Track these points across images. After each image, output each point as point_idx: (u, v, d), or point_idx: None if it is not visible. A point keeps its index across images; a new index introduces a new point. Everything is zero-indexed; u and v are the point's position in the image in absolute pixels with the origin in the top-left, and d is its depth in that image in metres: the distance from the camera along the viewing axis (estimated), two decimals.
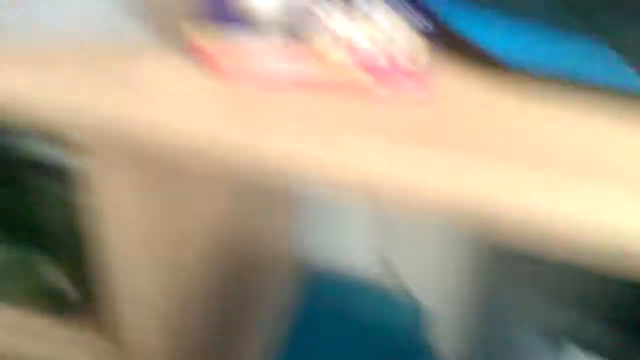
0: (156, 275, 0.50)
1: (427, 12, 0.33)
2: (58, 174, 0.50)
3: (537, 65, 0.35)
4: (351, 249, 1.17)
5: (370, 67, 0.34)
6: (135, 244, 0.47)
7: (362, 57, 0.34)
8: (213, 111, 0.33)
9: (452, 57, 0.39)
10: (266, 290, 0.99)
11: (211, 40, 0.34)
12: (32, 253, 0.50)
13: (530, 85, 0.36)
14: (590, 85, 0.35)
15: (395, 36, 0.33)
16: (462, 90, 0.37)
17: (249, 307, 0.93)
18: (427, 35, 0.33)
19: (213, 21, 0.33)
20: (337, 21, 0.33)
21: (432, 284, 1.11)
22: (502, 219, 0.31)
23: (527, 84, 0.36)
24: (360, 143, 0.32)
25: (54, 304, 0.50)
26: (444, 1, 0.38)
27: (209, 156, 0.34)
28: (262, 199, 0.85)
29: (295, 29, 0.33)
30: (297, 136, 0.32)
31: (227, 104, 0.34)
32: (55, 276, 0.50)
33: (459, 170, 0.31)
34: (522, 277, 1.06)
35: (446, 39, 0.38)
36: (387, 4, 0.33)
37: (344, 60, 0.34)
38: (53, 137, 0.39)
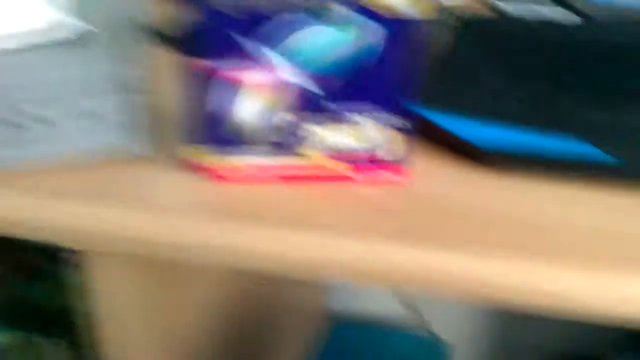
0: (158, 354, 0.51)
1: (405, 113, 0.35)
2: (58, 258, 0.51)
3: (509, 146, 0.36)
4: (374, 294, 1.17)
5: (351, 162, 0.37)
6: (134, 325, 0.47)
7: (344, 155, 0.37)
8: (207, 211, 0.35)
9: (429, 147, 0.41)
10: (290, 340, 0.99)
11: (205, 158, 0.37)
12: (34, 336, 0.51)
13: (503, 166, 0.37)
14: (559, 162, 0.35)
15: (375, 134, 0.36)
16: (436, 176, 0.38)
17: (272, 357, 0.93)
18: (406, 130, 0.36)
19: (206, 140, 0.36)
20: (322, 131, 0.36)
21: (453, 322, 1.12)
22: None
23: (499, 166, 0.37)
24: (338, 229, 0.34)
25: None
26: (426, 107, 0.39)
27: (204, 254, 0.35)
28: None
29: (283, 142, 0.36)
30: (282, 225, 0.34)
31: (218, 203, 0.36)
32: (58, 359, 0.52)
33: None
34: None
35: (424, 132, 0.40)
36: (367, 107, 0.35)
37: (326, 158, 0.37)
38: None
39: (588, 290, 0.31)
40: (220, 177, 0.38)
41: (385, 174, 0.37)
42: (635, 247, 0.33)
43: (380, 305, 1.18)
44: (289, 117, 0.36)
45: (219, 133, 0.36)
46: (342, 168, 0.37)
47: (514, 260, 0.32)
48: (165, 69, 0.47)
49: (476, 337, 1.16)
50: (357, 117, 0.36)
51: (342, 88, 0.35)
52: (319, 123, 0.36)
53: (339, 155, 0.37)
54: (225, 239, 0.34)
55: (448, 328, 1.13)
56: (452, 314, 1.14)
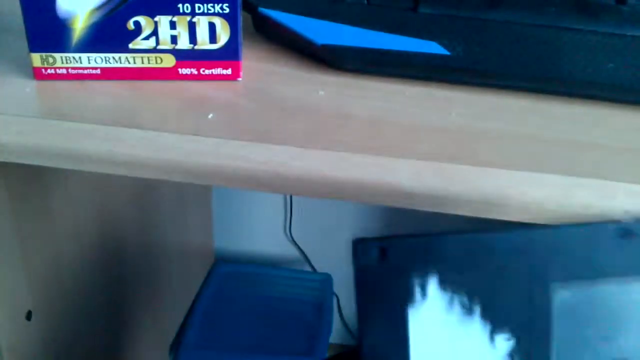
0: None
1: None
2: None
3: (346, 42, 0.35)
4: (260, 233, 1.17)
5: (184, 57, 0.36)
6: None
7: (176, 50, 0.36)
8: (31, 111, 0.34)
9: (269, 47, 0.40)
10: (175, 280, 0.98)
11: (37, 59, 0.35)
12: None
13: (339, 63, 0.36)
14: (397, 55, 0.35)
15: (205, 26, 0.35)
16: (271, 72, 0.38)
17: (161, 294, 0.92)
18: (234, 21, 0.35)
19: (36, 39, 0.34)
20: (152, 23, 0.34)
21: (333, 256, 1.15)
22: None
23: (336, 63, 0.36)
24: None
25: None
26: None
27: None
28: (162, 192, 0.84)
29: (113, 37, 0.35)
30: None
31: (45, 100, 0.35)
32: None
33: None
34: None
35: (265, 31, 0.40)
36: None
37: (158, 53, 0.36)
38: None
39: (416, 182, 0.31)
40: (46, 76, 0.35)
41: (219, 70, 0.36)
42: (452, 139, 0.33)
43: (263, 244, 1.18)
44: (114, 9, 0.34)
45: (45, 30, 0.34)
46: (173, 64, 0.36)
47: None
48: None
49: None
50: (185, 8, 0.34)
51: None
52: (147, 15, 0.34)
53: (170, 50, 0.36)
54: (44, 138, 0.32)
55: (329, 262, 1.15)
56: (332, 248, 1.16)
